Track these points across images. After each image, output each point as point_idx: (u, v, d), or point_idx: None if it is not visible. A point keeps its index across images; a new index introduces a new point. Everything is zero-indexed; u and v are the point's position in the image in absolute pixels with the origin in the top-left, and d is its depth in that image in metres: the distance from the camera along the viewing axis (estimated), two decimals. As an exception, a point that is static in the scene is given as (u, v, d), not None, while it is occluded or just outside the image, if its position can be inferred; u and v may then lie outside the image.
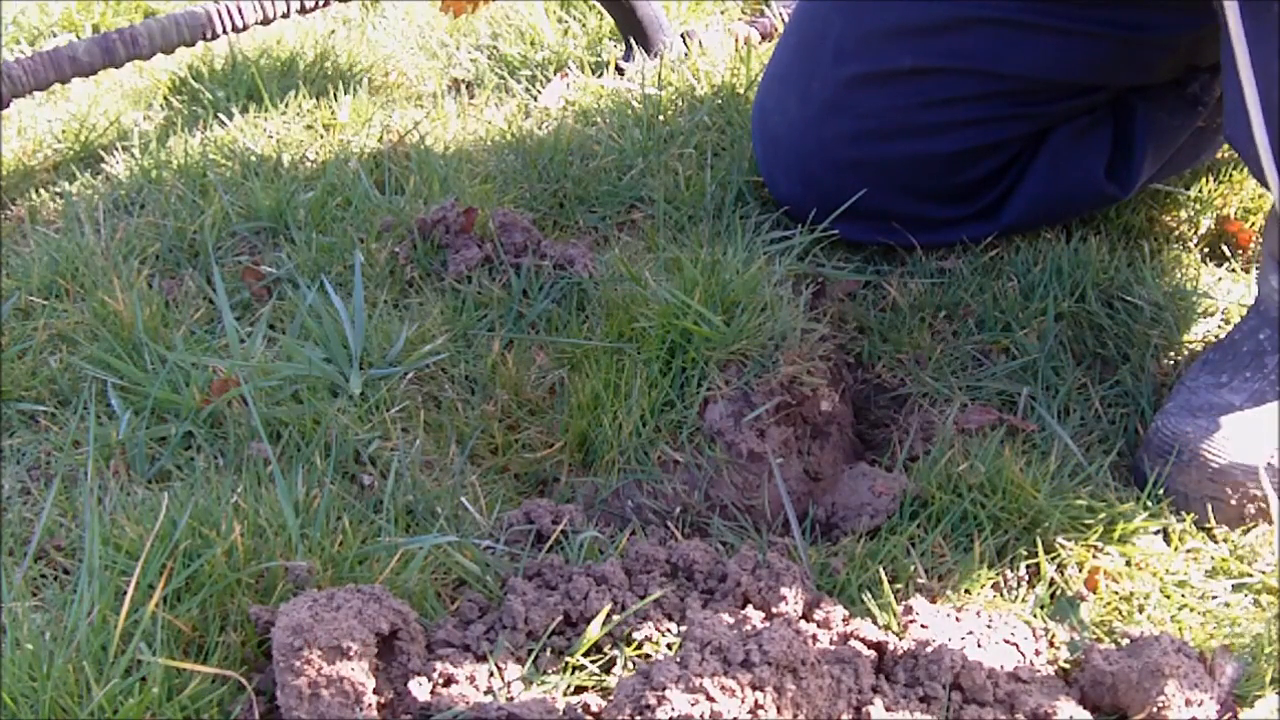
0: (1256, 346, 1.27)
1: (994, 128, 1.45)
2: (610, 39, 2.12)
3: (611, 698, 0.92)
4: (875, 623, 1.06)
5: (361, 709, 0.90)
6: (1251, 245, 1.56)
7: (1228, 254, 1.56)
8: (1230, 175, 1.66)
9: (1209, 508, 1.19)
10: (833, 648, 0.99)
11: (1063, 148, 1.48)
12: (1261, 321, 1.28)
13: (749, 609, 1.05)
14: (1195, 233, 1.59)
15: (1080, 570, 1.14)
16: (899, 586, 1.11)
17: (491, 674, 0.98)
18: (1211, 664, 1.01)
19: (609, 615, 1.03)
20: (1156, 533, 1.18)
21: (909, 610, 1.06)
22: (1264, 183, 1.17)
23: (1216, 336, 1.40)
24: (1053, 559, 1.14)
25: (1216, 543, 1.18)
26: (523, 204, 1.62)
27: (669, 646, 1.03)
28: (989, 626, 1.05)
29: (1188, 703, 0.97)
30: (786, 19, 2.02)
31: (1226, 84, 1.17)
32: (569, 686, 0.99)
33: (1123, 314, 1.42)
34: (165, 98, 2.03)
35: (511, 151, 1.75)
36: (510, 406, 1.31)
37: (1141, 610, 1.11)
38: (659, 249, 1.49)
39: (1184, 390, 1.26)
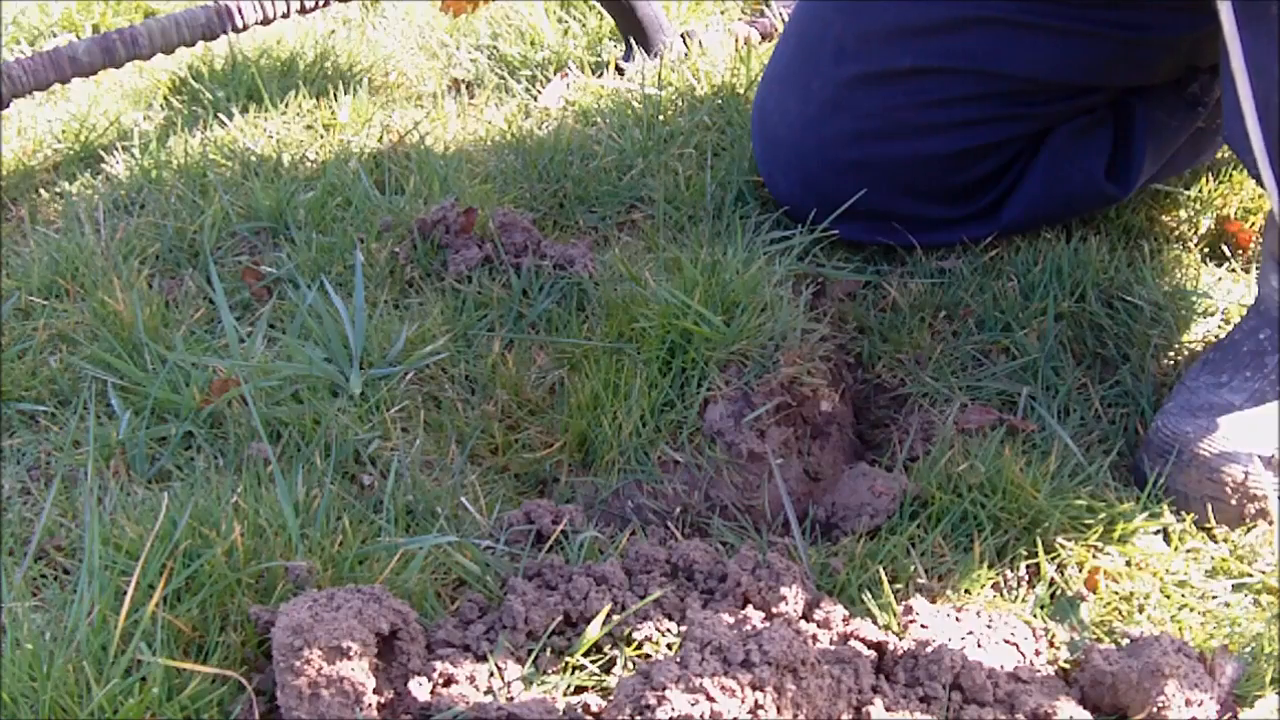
0: (1257, 346, 1.27)
1: (993, 128, 1.45)
2: (610, 39, 2.12)
3: (611, 698, 0.92)
4: (875, 623, 1.06)
5: (361, 709, 0.90)
6: (1251, 245, 1.56)
7: (1228, 254, 1.56)
8: (1230, 175, 1.66)
9: (1209, 508, 1.19)
10: (833, 648, 0.99)
11: (1062, 148, 1.48)
12: (1262, 321, 1.28)
13: (749, 609, 1.05)
14: (1195, 233, 1.59)
15: (1080, 570, 1.14)
16: (899, 586, 1.11)
17: (491, 674, 0.98)
18: (1211, 664, 1.00)
19: (609, 615, 1.03)
20: (1156, 533, 1.18)
21: (909, 610, 1.06)
22: (1262, 184, 1.17)
23: (1216, 336, 1.40)
24: (1053, 559, 1.14)
25: (1216, 543, 1.18)
26: (523, 204, 1.62)
27: (669, 646, 1.03)
28: (989, 626, 1.05)
29: (1188, 703, 0.97)
30: (786, 19, 2.02)
31: (1225, 85, 1.17)
32: (569, 686, 0.99)
33: (1123, 314, 1.42)
34: (165, 98, 2.03)
35: (511, 151, 1.75)
36: (510, 406, 1.31)
37: (1141, 610, 1.11)
38: (659, 249, 1.49)
39: (1184, 390, 1.26)
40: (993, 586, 1.13)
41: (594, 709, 0.96)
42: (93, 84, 2.13)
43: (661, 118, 1.76)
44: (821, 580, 1.12)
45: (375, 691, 0.93)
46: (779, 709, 0.90)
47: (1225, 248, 1.57)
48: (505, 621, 1.02)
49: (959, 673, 0.98)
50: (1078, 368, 1.37)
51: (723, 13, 2.23)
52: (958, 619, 1.05)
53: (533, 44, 2.13)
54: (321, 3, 1.91)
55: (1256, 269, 1.35)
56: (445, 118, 1.87)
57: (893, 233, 1.51)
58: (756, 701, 0.90)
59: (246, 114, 1.88)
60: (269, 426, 1.21)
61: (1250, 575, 1.14)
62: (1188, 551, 1.17)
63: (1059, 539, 1.15)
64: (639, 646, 1.02)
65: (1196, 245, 1.57)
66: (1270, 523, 1.18)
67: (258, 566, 1.02)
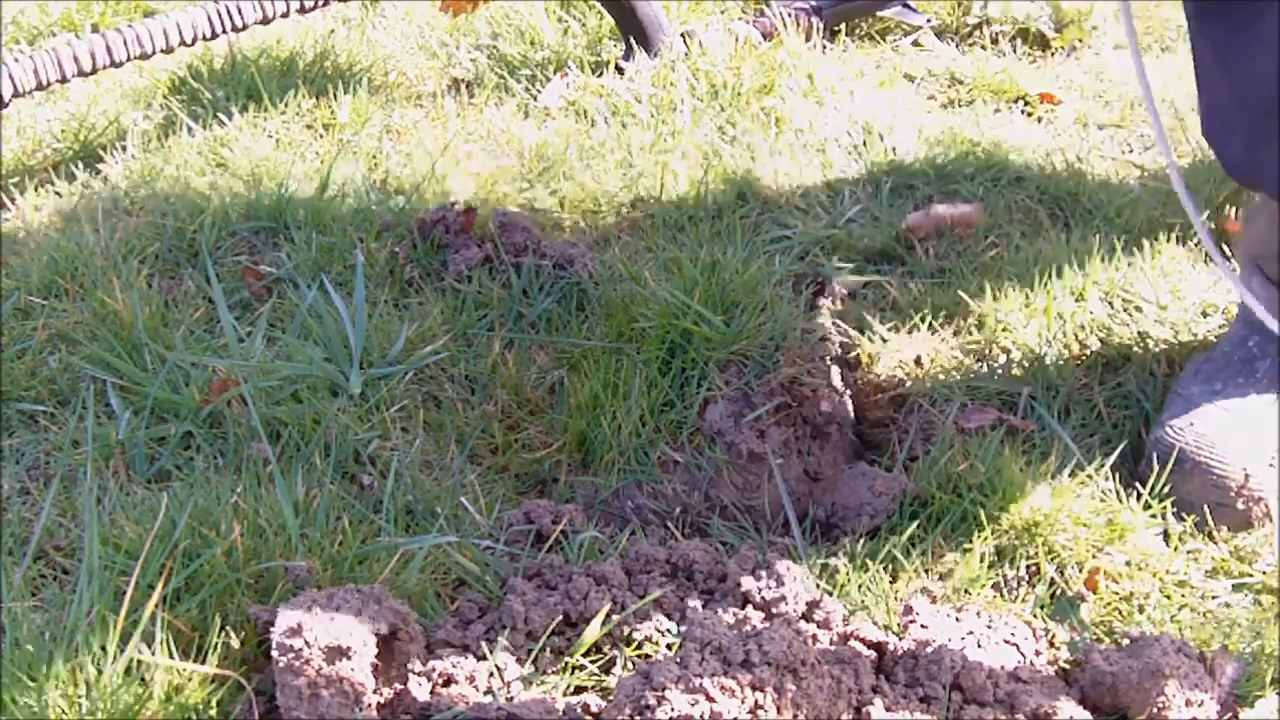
0: (1246, 353, 1.27)
1: None
2: (610, 39, 2.12)
3: (611, 698, 0.92)
4: (875, 623, 1.06)
5: (361, 709, 0.90)
6: (1251, 245, 1.56)
7: (1228, 254, 1.56)
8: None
9: (1214, 514, 1.18)
10: (833, 648, 0.99)
11: None
12: (1249, 329, 1.28)
13: (749, 609, 1.05)
14: (1195, 233, 1.59)
15: (1080, 570, 1.14)
16: (899, 586, 1.11)
17: (491, 674, 0.98)
18: (1211, 664, 1.00)
19: (609, 615, 1.03)
20: (1157, 533, 1.18)
21: (909, 610, 1.06)
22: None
23: (1217, 336, 1.40)
24: (1053, 559, 1.14)
25: (1216, 543, 1.18)
26: (523, 204, 1.62)
27: (669, 646, 1.03)
28: (989, 626, 1.05)
29: (1188, 703, 0.97)
30: (786, 19, 2.02)
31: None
32: (569, 686, 0.99)
33: (1123, 314, 1.42)
34: (165, 98, 2.03)
35: (511, 152, 1.75)
36: (510, 406, 1.31)
37: (1141, 610, 1.11)
38: (659, 249, 1.49)
39: (1178, 400, 1.26)
40: (993, 586, 1.13)
41: (594, 709, 0.96)
42: (93, 84, 2.13)
43: (661, 118, 1.76)
44: (821, 580, 1.12)
45: (375, 691, 0.93)
46: (779, 709, 0.90)
47: (1225, 248, 1.57)
48: (505, 621, 1.02)
49: (959, 673, 0.98)
50: (1078, 368, 1.37)
51: (723, 13, 2.22)
52: (958, 619, 1.05)
53: (533, 44, 2.13)
54: (321, 2, 1.91)
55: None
56: (445, 118, 1.87)
57: None
58: (756, 702, 0.90)
59: (246, 113, 1.88)
60: (269, 426, 1.21)
61: (1250, 575, 1.14)
62: (1188, 552, 1.17)
63: (1059, 539, 1.15)
64: (639, 646, 1.02)
65: (1197, 245, 1.57)
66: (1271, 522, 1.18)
67: (258, 566, 1.02)
